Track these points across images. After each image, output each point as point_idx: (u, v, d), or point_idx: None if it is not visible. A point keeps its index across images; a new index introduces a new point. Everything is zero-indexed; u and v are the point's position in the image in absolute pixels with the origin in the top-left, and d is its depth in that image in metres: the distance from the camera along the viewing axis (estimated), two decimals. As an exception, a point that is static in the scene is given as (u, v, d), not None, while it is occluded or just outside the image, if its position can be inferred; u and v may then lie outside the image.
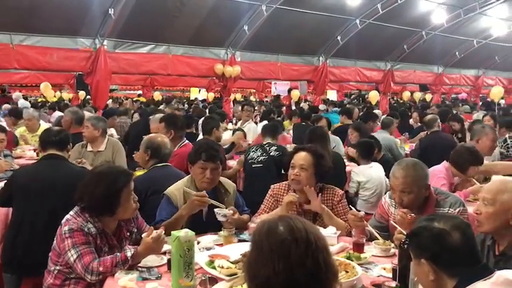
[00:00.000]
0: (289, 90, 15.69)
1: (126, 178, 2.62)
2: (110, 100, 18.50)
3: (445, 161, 4.30)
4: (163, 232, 2.55)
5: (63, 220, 2.54)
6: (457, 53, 17.97)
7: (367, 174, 5.25)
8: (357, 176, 5.29)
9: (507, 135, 7.01)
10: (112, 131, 7.62)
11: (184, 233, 2.22)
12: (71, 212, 2.57)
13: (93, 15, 10.08)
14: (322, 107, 14.07)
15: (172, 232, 2.26)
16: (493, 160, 6.16)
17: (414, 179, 2.91)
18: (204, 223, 3.16)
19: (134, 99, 19.06)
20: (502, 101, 20.79)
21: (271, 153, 5.28)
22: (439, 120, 7.25)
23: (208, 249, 2.79)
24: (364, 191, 5.24)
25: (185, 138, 4.92)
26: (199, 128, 7.30)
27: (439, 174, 4.00)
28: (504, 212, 2.34)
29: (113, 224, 2.66)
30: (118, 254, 2.48)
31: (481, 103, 17.84)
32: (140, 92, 21.37)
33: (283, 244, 1.42)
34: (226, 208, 3.06)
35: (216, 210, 3.03)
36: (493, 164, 4.64)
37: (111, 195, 2.52)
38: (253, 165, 5.25)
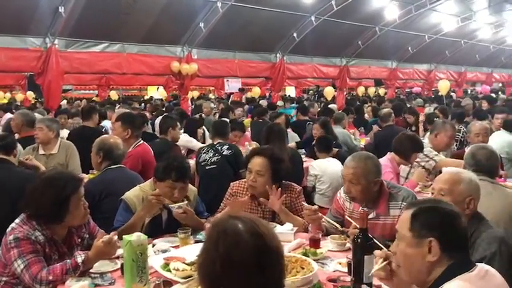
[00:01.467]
0: (242, 90, 15.69)
1: (76, 184, 2.52)
2: (65, 101, 18.03)
3: (388, 152, 4.43)
4: (117, 236, 2.48)
5: (8, 229, 2.43)
6: (409, 48, 18.45)
7: (323, 167, 5.33)
8: (313, 170, 5.38)
9: (457, 128, 7.30)
10: (65, 133, 7.37)
11: (137, 236, 2.17)
12: (17, 220, 2.46)
13: (42, 13, 9.74)
14: (280, 103, 14.15)
15: (124, 236, 2.21)
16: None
17: (363, 171, 2.96)
18: (163, 231, 3.10)
19: (92, 99, 18.62)
20: (454, 94, 21.57)
21: (223, 153, 5.14)
22: (393, 114, 7.43)
23: (163, 251, 2.75)
24: (320, 184, 5.32)
25: (141, 138, 4.81)
26: (156, 128, 7.20)
27: (385, 168, 4.11)
28: (461, 202, 2.42)
29: (63, 231, 2.56)
30: (68, 261, 2.39)
31: (433, 96, 18.43)
32: (89, 92, 20.87)
33: (236, 247, 1.41)
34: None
35: (170, 205, 2.97)
36: (445, 160, 4.78)
37: (60, 202, 2.42)
38: (206, 167, 5.10)
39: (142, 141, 4.75)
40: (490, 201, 3.06)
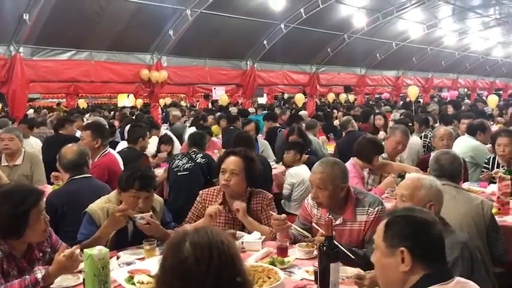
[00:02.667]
0: (207, 97, 15.63)
1: (36, 197, 2.42)
2: (32, 110, 17.61)
3: (352, 157, 4.48)
4: (81, 250, 2.41)
5: None
6: (377, 55, 18.76)
7: (300, 174, 5.34)
8: (291, 178, 5.35)
9: (423, 133, 7.47)
10: (32, 141, 7.18)
11: (98, 250, 2.12)
12: (-28, 236, 2.37)
13: (6, 20, 9.48)
14: (251, 110, 14.18)
15: (85, 250, 2.15)
16: (418, 152, 6.52)
17: (330, 176, 2.98)
18: (129, 242, 3.04)
19: (53, 107, 18.26)
20: (421, 100, 22.05)
21: (197, 160, 5.18)
22: (353, 121, 7.53)
23: (128, 264, 2.69)
24: (296, 192, 5.33)
25: (108, 147, 4.72)
26: (125, 135, 7.09)
27: (349, 174, 4.16)
28: (421, 207, 2.45)
29: (22, 246, 2.46)
30: (27, 276, 2.30)
31: (401, 102, 18.79)
32: (59, 100, 20.47)
33: (182, 263, 1.38)
34: None
35: (133, 216, 2.92)
36: (391, 162, 4.82)
37: (18, 216, 2.32)
38: (178, 173, 5.12)
39: (109, 150, 4.66)
40: (454, 205, 3.13)
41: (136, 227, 2.96)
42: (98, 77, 11.66)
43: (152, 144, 6.73)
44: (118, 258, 2.74)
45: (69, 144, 3.79)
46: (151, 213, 2.97)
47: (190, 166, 5.14)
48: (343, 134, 7.73)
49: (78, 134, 7.12)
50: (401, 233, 1.79)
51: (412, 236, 1.78)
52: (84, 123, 5.14)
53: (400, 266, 1.77)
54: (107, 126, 5.91)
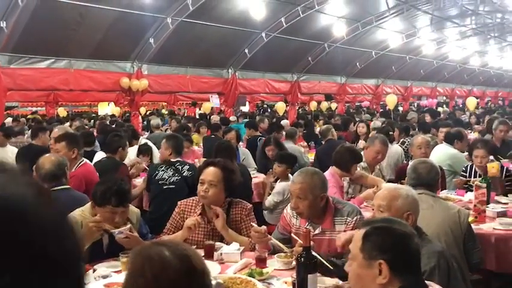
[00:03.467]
0: (194, 104, 15.58)
1: None
2: (10, 118, 17.29)
3: (330, 166, 4.50)
4: None
5: None
6: (357, 63, 18.94)
7: (287, 191, 5.16)
8: (278, 195, 5.10)
9: (402, 140, 7.57)
10: (9, 149, 7.05)
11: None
12: None
13: (-18, 28, 9.36)
14: (232, 118, 14.18)
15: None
16: (397, 161, 6.58)
17: (310, 186, 2.99)
18: (105, 255, 2.99)
19: (28, 116, 17.98)
20: (401, 108, 22.34)
21: (183, 173, 4.96)
22: (333, 129, 7.59)
23: (104, 277, 2.64)
24: (280, 207, 5.17)
25: (83, 158, 4.64)
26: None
27: (328, 183, 4.17)
28: (399, 218, 2.45)
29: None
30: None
31: (381, 110, 19.00)
32: (36, 109, 20.17)
33: (134, 277, 1.39)
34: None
35: (112, 231, 2.88)
36: (366, 174, 4.84)
37: None
38: (164, 187, 4.89)
39: (85, 160, 4.58)
40: (432, 214, 3.17)
41: (112, 240, 2.91)
42: (78, 85, 11.54)
43: (132, 154, 6.65)
44: (94, 271, 2.70)
45: (47, 154, 3.71)
46: (129, 226, 2.93)
47: (176, 180, 4.93)
48: (323, 142, 7.77)
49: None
50: (380, 246, 1.79)
51: (391, 249, 1.78)
52: (56, 135, 4.93)
53: (378, 278, 1.77)
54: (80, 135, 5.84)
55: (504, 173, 4.92)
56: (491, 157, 4.90)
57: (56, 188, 3.49)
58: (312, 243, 2.69)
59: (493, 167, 4.70)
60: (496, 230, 3.69)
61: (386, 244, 1.79)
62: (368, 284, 1.81)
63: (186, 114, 19.96)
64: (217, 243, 3.14)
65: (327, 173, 4.41)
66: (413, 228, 2.53)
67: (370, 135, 8.39)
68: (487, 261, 3.47)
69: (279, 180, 5.30)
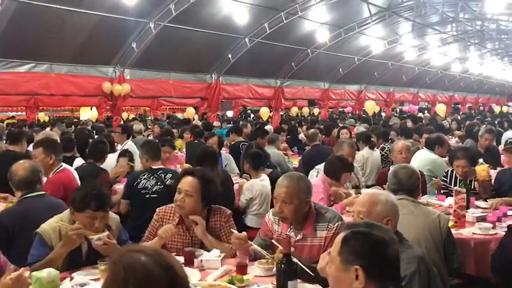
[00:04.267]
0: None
1: None
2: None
3: (321, 173, 4.52)
4: (31, 272, 2.30)
5: None
6: (340, 69, 19.10)
7: (259, 188, 5.30)
8: (248, 192, 5.31)
9: (382, 146, 7.63)
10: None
11: (47, 273, 2.04)
12: None
13: (-39, 31, 9.21)
14: (216, 123, 14.13)
15: (33, 273, 2.06)
16: (379, 167, 6.62)
17: (296, 190, 2.98)
18: (83, 263, 2.93)
19: (5, 121, 17.70)
20: (384, 114, 22.55)
21: (166, 182, 4.81)
22: (320, 134, 7.62)
23: (82, 285, 2.59)
24: (253, 205, 5.29)
25: (62, 163, 4.56)
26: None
27: (316, 188, 4.16)
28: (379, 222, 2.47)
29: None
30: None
31: (363, 116, 19.15)
32: (14, 113, 19.87)
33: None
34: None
35: (90, 237, 2.82)
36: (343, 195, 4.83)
37: None
38: (146, 196, 4.74)
39: (64, 166, 4.50)
40: (412, 219, 3.18)
41: (91, 247, 2.86)
42: (59, 90, 11.41)
43: (112, 159, 6.55)
44: (71, 279, 2.64)
45: (21, 161, 3.63)
46: (107, 233, 2.88)
47: (159, 189, 4.78)
48: (310, 146, 7.77)
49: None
50: (358, 251, 1.79)
51: (368, 256, 1.78)
52: (35, 140, 4.83)
53: (354, 283, 1.77)
54: (59, 141, 5.75)
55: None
56: (481, 160, 4.94)
57: (30, 195, 3.42)
58: (292, 249, 2.68)
59: (483, 170, 4.76)
60: (475, 235, 3.72)
61: (364, 250, 1.79)
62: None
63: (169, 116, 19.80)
64: (198, 250, 3.10)
65: (317, 179, 4.43)
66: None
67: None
68: (466, 266, 3.50)
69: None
